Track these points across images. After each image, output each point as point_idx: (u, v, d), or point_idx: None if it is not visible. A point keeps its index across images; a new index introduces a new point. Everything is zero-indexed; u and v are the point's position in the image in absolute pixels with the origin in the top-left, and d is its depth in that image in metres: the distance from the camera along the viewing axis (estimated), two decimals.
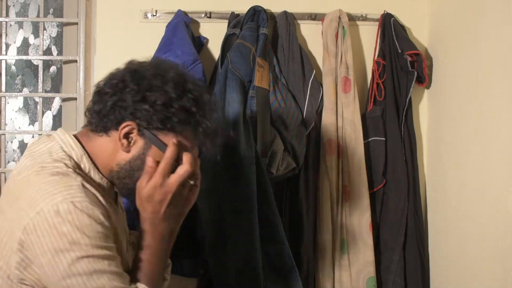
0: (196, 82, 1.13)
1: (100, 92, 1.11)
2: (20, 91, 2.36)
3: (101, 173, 1.11)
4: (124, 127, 1.07)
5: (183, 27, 1.83)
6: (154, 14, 1.93)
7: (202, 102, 1.11)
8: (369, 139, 1.99)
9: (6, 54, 2.18)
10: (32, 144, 1.14)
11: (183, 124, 1.09)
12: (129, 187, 1.12)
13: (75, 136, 1.13)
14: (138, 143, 1.09)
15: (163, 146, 1.08)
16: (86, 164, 1.10)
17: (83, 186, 1.02)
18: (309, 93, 1.91)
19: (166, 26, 1.87)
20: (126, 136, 1.08)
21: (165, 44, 1.80)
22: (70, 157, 1.08)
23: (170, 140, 1.07)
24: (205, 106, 1.11)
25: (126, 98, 1.07)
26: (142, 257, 1.09)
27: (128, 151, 1.09)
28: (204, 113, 1.10)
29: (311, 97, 1.91)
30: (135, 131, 1.07)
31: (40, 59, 2.03)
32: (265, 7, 1.90)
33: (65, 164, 1.05)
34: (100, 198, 1.05)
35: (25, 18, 2.25)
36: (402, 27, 2.02)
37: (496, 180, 1.60)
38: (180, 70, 1.13)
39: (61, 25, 2.18)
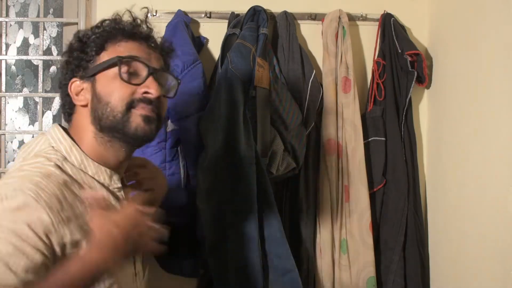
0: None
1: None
2: (20, 91, 2.36)
3: (96, 162, 1.08)
4: (71, 88, 1.11)
5: (183, 27, 1.83)
6: (154, 14, 1.93)
7: (100, 24, 1.15)
8: (369, 139, 1.99)
9: (6, 54, 2.18)
10: (26, 144, 1.13)
11: (100, 39, 1.12)
12: (115, 119, 1.07)
13: (65, 130, 1.12)
14: (87, 87, 1.10)
15: (101, 64, 1.10)
16: (77, 156, 1.07)
17: (40, 183, 0.96)
18: (309, 93, 1.91)
19: (166, 26, 1.87)
20: (78, 93, 1.12)
21: None
22: (57, 151, 1.06)
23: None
24: (102, 23, 1.15)
25: (61, 83, 1.15)
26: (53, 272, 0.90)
27: (87, 101, 1.10)
28: (100, 26, 1.15)
29: (311, 97, 1.91)
30: (78, 82, 1.11)
31: (40, 59, 2.03)
32: (265, 7, 1.90)
33: (47, 158, 1.03)
34: (69, 198, 0.98)
35: (25, 18, 2.25)
36: (402, 27, 2.02)
37: (496, 180, 1.60)
38: None
39: (61, 25, 2.18)
